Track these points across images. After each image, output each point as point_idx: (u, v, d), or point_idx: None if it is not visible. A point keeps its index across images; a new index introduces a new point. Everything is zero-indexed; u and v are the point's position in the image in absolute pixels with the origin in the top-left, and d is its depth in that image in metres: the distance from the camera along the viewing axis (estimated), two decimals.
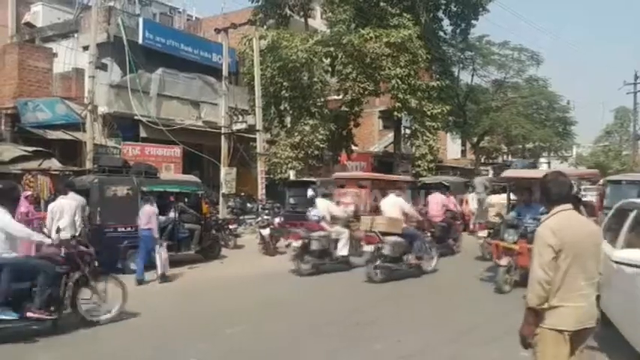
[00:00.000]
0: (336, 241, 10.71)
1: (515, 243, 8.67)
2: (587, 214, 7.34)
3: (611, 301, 5.28)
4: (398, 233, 9.68)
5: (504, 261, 8.54)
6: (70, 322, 6.33)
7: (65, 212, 8.92)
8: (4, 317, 5.76)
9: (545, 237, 3.23)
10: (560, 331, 3.21)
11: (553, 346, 3.22)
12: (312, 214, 10.75)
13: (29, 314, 5.84)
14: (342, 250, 10.70)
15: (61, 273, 6.21)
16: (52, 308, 6.05)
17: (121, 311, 6.77)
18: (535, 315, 3.26)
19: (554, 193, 3.44)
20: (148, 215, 9.52)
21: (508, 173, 11.56)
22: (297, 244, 10.26)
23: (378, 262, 9.44)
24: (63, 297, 6.21)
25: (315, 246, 10.32)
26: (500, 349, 5.42)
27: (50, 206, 9.25)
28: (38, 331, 6.02)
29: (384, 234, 9.55)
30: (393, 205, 10.14)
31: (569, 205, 3.40)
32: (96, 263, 6.76)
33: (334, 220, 10.88)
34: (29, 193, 10.88)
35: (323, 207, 10.86)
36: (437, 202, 13.38)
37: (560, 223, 3.29)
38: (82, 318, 6.42)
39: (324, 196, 11.45)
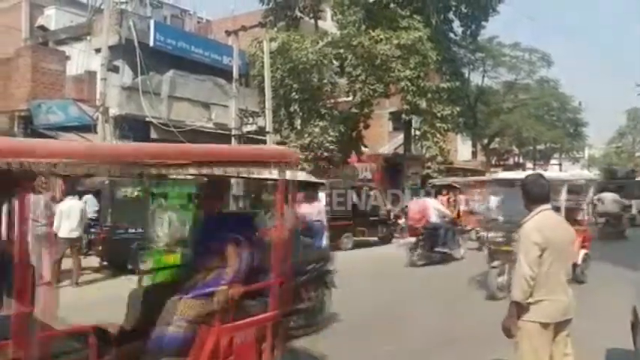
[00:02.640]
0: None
1: None
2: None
3: None
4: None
5: None
6: None
7: (74, 213, 9.17)
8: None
9: (532, 235, 3.47)
10: (545, 324, 3.46)
11: (537, 337, 3.46)
12: None
13: None
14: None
15: None
16: None
17: None
18: (519, 308, 3.50)
19: (535, 193, 3.70)
20: (318, 209, 10.24)
21: None
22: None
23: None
24: None
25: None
26: None
27: (60, 206, 9.46)
28: None
29: None
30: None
31: (548, 206, 3.68)
32: None
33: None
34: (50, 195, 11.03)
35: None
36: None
37: (542, 222, 3.54)
38: None
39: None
